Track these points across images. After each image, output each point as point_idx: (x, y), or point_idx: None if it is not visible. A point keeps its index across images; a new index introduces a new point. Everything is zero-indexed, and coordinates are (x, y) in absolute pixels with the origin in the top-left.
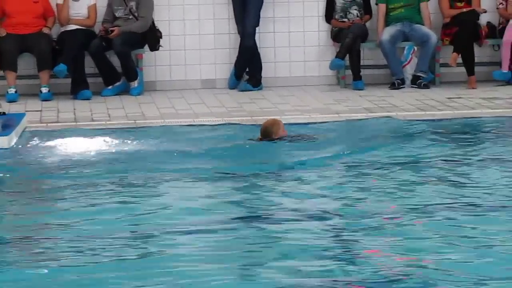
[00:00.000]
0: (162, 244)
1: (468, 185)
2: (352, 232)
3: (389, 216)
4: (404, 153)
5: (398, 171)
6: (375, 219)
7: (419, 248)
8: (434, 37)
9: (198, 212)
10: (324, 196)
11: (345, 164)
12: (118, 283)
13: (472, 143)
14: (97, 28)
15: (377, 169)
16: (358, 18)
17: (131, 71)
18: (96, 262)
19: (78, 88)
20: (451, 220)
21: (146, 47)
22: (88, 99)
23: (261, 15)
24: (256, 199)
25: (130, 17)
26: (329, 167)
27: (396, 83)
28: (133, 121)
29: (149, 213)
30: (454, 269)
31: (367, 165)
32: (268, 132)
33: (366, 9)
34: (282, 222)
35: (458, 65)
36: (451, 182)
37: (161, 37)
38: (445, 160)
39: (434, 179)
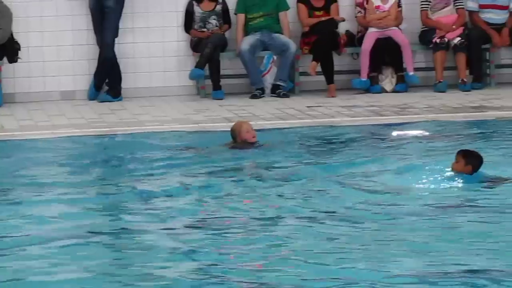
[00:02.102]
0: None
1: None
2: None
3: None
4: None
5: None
6: None
7: None
8: (293, 46)
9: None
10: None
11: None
12: None
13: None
14: None
15: None
16: (217, 28)
17: None
18: None
19: None
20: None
21: (5, 59)
22: None
23: (120, 26)
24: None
25: None
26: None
27: (257, 93)
28: None
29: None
30: None
31: None
32: (233, 135)
33: (225, 19)
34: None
35: (318, 73)
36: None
37: (19, 49)
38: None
39: None
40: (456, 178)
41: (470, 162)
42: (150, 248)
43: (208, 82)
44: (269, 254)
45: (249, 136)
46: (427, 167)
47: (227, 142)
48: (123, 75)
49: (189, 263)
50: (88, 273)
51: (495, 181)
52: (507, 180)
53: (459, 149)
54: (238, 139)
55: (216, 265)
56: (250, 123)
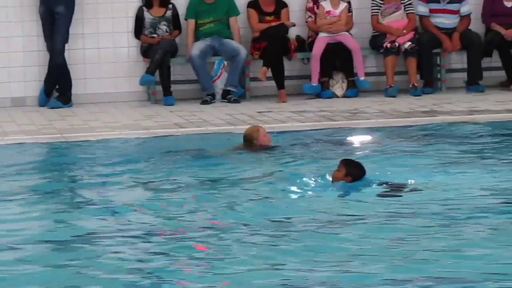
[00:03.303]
0: None
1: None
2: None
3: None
4: None
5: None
6: None
7: None
8: (243, 51)
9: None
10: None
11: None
12: None
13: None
14: None
15: None
16: (167, 33)
17: None
18: None
19: None
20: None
21: None
22: None
23: (70, 32)
24: None
25: None
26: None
27: (208, 99)
28: None
29: None
30: None
31: None
32: (248, 139)
33: (175, 25)
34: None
35: (268, 79)
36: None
37: None
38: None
39: None
40: (330, 187)
41: (350, 172)
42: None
43: (159, 88)
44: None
45: (267, 140)
46: (309, 175)
47: (237, 146)
48: (73, 81)
49: (138, 268)
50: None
51: (393, 189)
52: (402, 188)
53: (343, 158)
54: (256, 143)
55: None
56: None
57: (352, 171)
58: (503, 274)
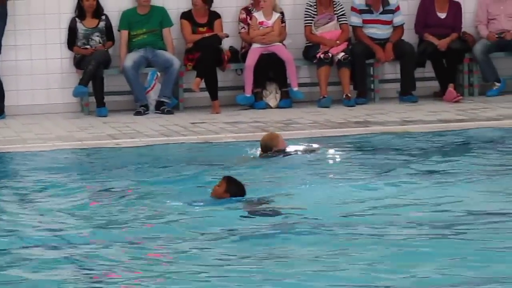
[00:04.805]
0: None
1: None
2: None
3: None
4: None
5: None
6: None
7: None
8: (177, 62)
9: None
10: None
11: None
12: None
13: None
14: None
15: None
16: (100, 44)
17: None
18: None
19: None
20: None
21: None
22: None
23: (2, 43)
24: None
25: None
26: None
27: (141, 110)
28: None
29: None
30: None
31: None
32: (267, 146)
33: (109, 36)
34: None
35: (202, 90)
36: None
37: None
38: None
39: None
40: (201, 203)
41: (230, 190)
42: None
43: (92, 99)
44: None
45: (285, 145)
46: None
47: (256, 153)
48: (6, 93)
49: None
50: None
51: (256, 208)
52: (263, 203)
53: (225, 175)
54: (275, 149)
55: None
56: None
57: (231, 189)
58: None
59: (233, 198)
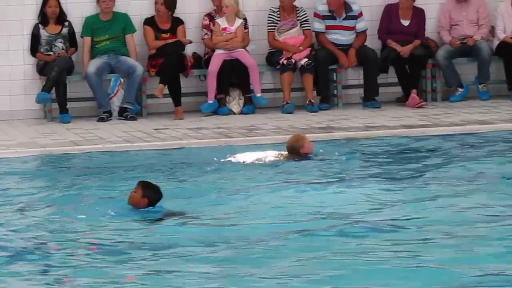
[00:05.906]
0: None
1: None
2: None
3: None
4: None
5: None
6: None
7: None
8: (140, 68)
9: None
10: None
11: None
12: None
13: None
14: None
15: None
16: (63, 51)
17: None
18: None
19: None
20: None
21: None
22: None
23: None
24: None
25: None
26: None
27: (105, 116)
28: None
29: None
30: None
31: None
32: (294, 149)
33: (72, 42)
34: None
35: (165, 96)
36: None
37: None
38: None
39: None
40: (116, 210)
41: (147, 195)
42: None
43: (55, 105)
44: None
45: (311, 148)
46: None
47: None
48: None
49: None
50: None
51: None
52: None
53: (141, 180)
54: (302, 152)
55: None
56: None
57: (148, 194)
58: None
59: (152, 209)
